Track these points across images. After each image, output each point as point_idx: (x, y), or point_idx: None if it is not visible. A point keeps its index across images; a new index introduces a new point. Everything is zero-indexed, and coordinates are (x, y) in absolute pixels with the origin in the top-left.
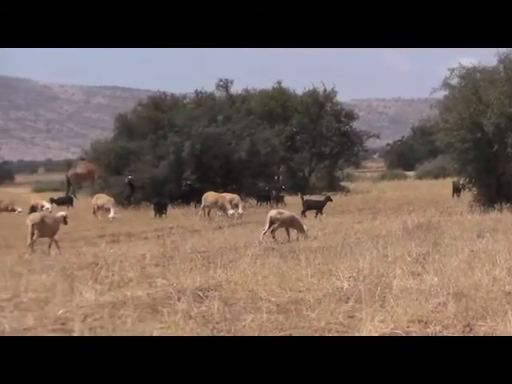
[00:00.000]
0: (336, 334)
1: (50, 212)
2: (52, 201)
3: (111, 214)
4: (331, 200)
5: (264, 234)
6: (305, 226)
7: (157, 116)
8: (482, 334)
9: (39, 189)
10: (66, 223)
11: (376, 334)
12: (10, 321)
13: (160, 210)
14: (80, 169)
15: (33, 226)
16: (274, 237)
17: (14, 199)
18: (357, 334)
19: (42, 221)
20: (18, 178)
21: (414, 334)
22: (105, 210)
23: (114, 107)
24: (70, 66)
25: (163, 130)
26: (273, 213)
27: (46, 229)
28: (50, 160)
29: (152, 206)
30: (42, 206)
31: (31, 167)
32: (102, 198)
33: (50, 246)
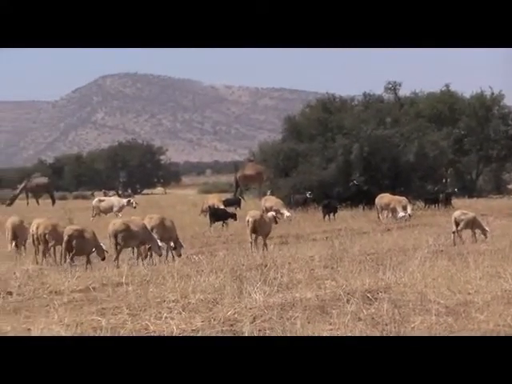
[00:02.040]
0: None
1: None
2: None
3: (287, 213)
4: None
5: (454, 235)
6: (486, 227)
7: (325, 118)
8: None
9: (206, 190)
10: (276, 222)
11: None
12: (178, 322)
13: (329, 211)
14: (248, 170)
15: (254, 222)
16: (460, 237)
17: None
18: None
19: (262, 218)
20: (185, 180)
21: None
22: (274, 212)
23: (282, 109)
24: (236, 67)
25: (332, 133)
26: (457, 214)
27: (263, 227)
28: (217, 162)
29: (321, 207)
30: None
31: (198, 169)
32: (271, 201)
33: (265, 245)
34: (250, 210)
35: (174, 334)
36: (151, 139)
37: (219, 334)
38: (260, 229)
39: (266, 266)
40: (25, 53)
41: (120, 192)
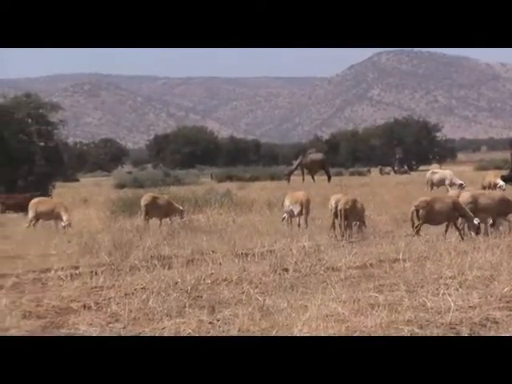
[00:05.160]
0: None
1: (504, 189)
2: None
3: None
4: None
5: None
6: None
7: None
8: None
9: (482, 167)
10: None
11: None
12: (455, 298)
13: None
14: None
15: None
16: None
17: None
18: None
19: None
20: (460, 157)
21: None
22: None
23: None
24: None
25: None
26: None
27: None
28: (492, 138)
29: None
30: (496, 185)
31: (473, 145)
32: None
33: None
34: None
35: (451, 311)
36: (427, 116)
37: (496, 312)
38: None
39: None
40: None
41: (396, 168)
